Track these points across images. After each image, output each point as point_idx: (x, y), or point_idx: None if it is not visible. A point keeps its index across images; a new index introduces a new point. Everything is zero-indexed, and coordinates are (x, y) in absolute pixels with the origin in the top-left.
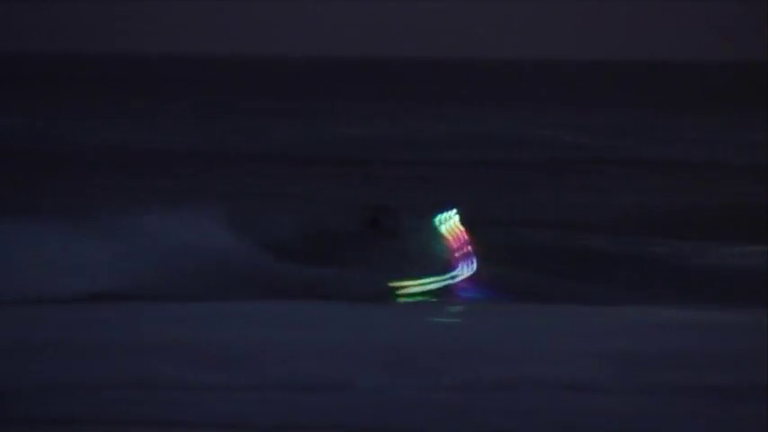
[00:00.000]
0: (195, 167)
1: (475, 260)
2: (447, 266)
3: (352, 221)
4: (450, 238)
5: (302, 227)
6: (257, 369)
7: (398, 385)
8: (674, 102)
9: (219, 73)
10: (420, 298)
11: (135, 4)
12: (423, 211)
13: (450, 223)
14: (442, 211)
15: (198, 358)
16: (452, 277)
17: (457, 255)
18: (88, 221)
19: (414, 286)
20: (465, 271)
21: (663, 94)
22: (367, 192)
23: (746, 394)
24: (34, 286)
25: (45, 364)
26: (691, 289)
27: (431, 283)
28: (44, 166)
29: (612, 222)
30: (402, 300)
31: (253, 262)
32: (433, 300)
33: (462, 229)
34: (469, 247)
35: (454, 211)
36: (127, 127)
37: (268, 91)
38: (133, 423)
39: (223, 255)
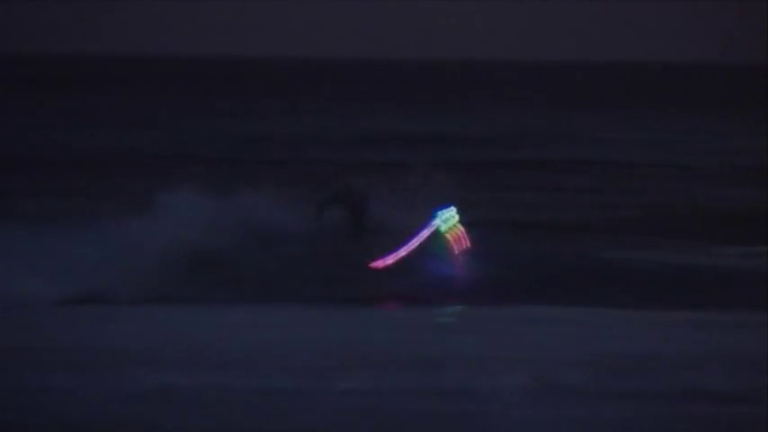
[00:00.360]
0: (180, 168)
1: (471, 260)
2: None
3: (331, 217)
4: (449, 237)
5: (292, 227)
6: (228, 373)
7: (369, 389)
8: (673, 104)
9: (203, 73)
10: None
11: (124, 4)
12: (419, 206)
13: (450, 223)
14: (441, 210)
15: (185, 362)
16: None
17: (455, 254)
18: (75, 224)
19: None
20: (460, 271)
21: (662, 96)
22: (350, 190)
23: (746, 398)
24: (24, 290)
25: (35, 367)
26: (688, 292)
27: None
28: (34, 168)
29: (608, 224)
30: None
31: (242, 264)
32: (424, 302)
33: (461, 228)
34: (466, 248)
35: (454, 210)
36: (115, 128)
37: (264, 91)
38: (119, 428)
39: (210, 257)
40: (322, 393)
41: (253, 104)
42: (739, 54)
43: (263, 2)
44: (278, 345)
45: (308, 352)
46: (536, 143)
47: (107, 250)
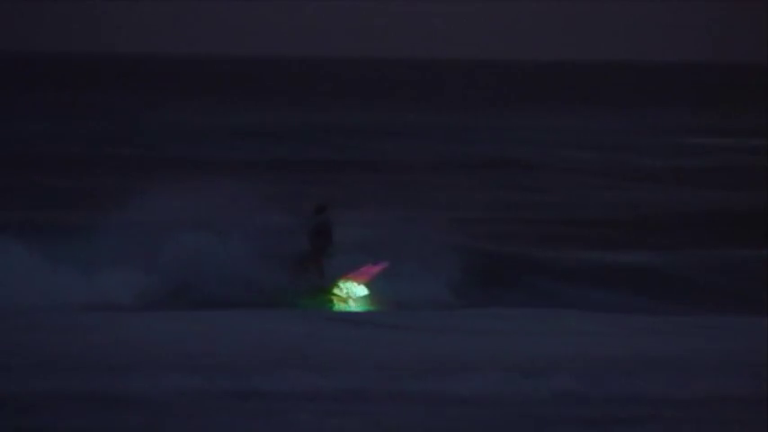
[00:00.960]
0: (172, 170)
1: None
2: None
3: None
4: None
5: (282, 234)
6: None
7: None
8: (669, 104)
9: (202, 73)
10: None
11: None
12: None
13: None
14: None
15: (174, 367)
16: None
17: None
18: (62, 232)
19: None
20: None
21: (658, 96)
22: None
23: (745, 404)
24: (25, 297)
25: (31, 373)
26: (684, 295)
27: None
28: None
29: (599, 227)
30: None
31: (236, 270)
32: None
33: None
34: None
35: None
36: (96, 127)
37: (248, 89)
38: None
39: (200, 262)
40: (287, 396)
41: (234, 102)
42: (737, 54)
43: (260, 2)
44: (269, 348)
45: (300, 355)
46: (524, 143)
47: (102, 256)
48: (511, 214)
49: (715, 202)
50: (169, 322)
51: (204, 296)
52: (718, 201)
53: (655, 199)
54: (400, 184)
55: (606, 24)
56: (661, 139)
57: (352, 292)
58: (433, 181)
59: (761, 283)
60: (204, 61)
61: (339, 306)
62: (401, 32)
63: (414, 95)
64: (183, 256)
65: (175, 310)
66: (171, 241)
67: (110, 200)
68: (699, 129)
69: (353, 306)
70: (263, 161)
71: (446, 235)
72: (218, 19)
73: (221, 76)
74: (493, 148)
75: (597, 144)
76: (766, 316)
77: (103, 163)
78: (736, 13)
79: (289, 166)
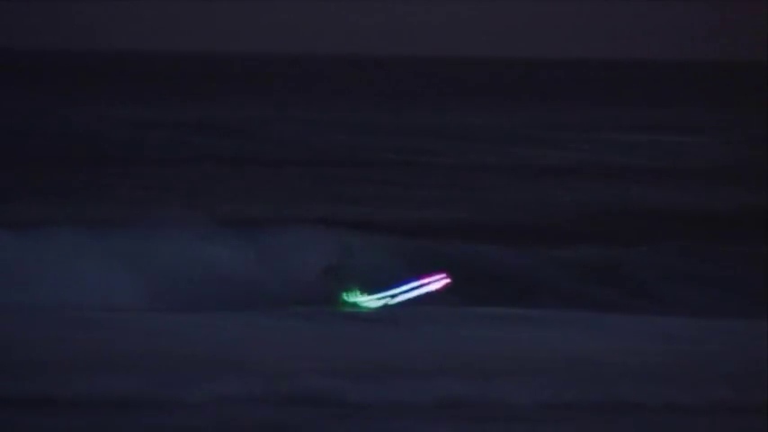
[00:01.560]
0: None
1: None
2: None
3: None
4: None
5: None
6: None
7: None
8: (667, 102)
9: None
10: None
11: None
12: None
13: None
14: None
15: (172, 370)
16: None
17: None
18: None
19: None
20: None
21: (655, 95)
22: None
23: (745, 411)
24: (28, 297)
25: (31, 374)
26: (679, 295)
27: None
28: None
29: (595, 226)
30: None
31: (239, 276)
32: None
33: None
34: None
35: None
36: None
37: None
38: None
39: (213, 270)
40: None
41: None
42: (733, 52)
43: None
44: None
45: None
46: (517, 141)
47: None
48: (508, 214)
49: (714, 201)
50: (171, 324)
51: (205, 297)
52: (717, 200)
53: (647, 198)
54: (398, 183)
55: (606, 24)
56: (655, 138)
57: (353, 293)
58: (429, 181)
59: (761, 282)
60: (202, 60)
61: (341, 306)
62: (391, 30)
63: (408, 94)
64: (184, 256)
65: (175, 311)
66: (170, 241)
67: (108, 199)
68: (696, 127)
69: (354, 306)
70: (262, 160)
71: (441, 234)
72: (218, 18)
73: (219, 75)
74: (490, 148)
75: (590, 143)
76: (765, 319)
77: (97, 162)
78: (735, 12)
79: (287, 165)
